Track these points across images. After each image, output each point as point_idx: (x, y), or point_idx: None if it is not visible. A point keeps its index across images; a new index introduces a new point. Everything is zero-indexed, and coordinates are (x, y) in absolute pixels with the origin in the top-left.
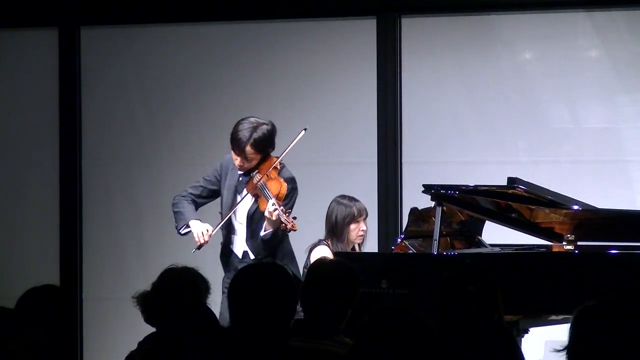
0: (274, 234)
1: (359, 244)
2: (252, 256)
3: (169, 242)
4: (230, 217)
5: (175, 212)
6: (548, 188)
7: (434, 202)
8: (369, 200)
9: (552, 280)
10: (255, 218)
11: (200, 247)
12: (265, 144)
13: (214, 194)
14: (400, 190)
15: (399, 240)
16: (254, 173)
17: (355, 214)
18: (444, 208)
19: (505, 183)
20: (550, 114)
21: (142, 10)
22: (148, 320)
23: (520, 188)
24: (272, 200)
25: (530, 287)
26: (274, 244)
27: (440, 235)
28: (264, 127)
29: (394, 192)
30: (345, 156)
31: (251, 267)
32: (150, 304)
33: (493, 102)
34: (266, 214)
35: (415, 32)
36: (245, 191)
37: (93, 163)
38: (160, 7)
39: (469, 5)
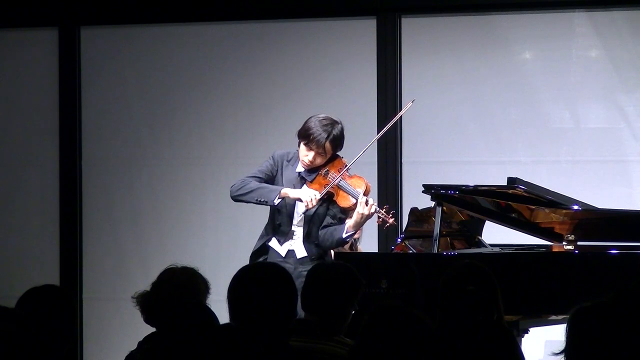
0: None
1: (356, 239)
2: (298, 256)
3: (169, 242)
4: (282, 211)
5: (252, 190)
6: (548, 188)
7: (434, 202)
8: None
9: (552, 280)
10: (315, 219)
11: (307, 210)
12: (341, 142)
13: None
14: (400, 190)
15: (399, 240)
16: (323, 171)
17: None
18: (444, 208)
19: (505, 183)
20: (550, 114)
21: (142, 10)
22: (148, 320)
23: (520, 188)
24: (367, 198)
25: (530, 287)
26: (335, 247)
27: (440, 235)
28: (340, 126)
29: (394, 192)
30: (345, 156)
31: (251, 267)
32: (150, 304)
33: (493, 102)
34: (360, 209)
35: (415, 32)
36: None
37: (93, 163)
38: (160, 7)
39: (469, 5)
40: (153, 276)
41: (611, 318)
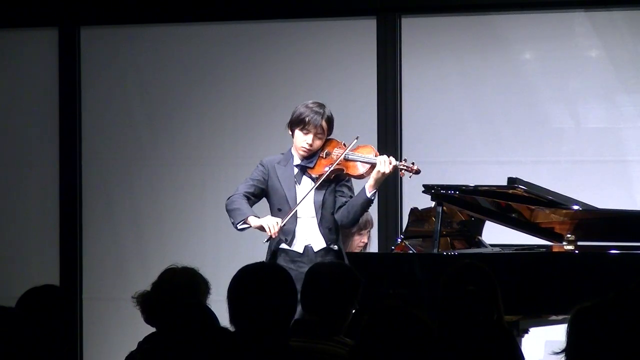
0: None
1: (363, 246)
2: (316, 248)
3: (169, 242)
4: (283, 210)
5: (231, 210)
6: (548, 188)
7: (434, 202)
8: None
9: (552, 280)
10: (326, 202)
11: (269, 239)
12: (333, 123)
13: (262, 193)
14: (400, 190)
15: (399, 240)
16: (323, 153)
17: (361, 226)
18: (444, 208)
19: (505, 183)
20: (550, 114)
21: (142, 10)
22: (148, 320)
23: (520, 188)
24: (384, 156)
25: (530, 287)
26: (363, 213)
27: (440, 235)
28: (329, 109)
29: (394, 192)
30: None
31: (251, 267)
32: (150, 304)
33: (493, 102)
34: (380, 168)
35: (415, 32)
36: (311, 177)
37: (93, 163)
38: (160, 7)
39: (469, 5)
40: (153, 276)
41: (612, 318)
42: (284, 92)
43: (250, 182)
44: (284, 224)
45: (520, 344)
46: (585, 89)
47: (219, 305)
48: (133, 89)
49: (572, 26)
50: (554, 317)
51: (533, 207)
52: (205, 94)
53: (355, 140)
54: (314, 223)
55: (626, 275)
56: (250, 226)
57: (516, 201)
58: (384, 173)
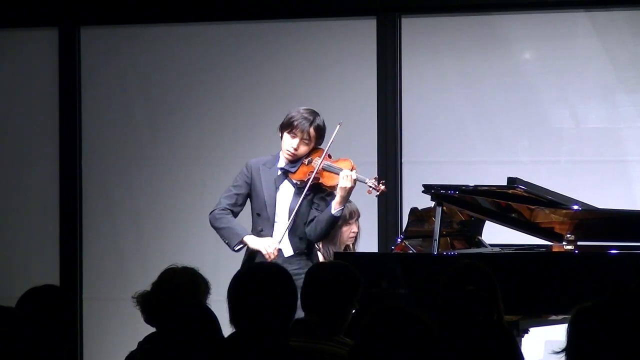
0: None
1: (351, 245)
2: (286, 254)
3: (169, 242)
4: (261, 215)
5: (221, 229)
6: (548, 188)
7: (434, 202)
8: (369, 200)
9: (552, 280)
10: (301, 211)
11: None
12: (324, 132)
13: (246, 198)
14: (400, 190)
15: (399, 240)
16: (306, 160)
17: (347, 217)
18: (444, 208)
19: (505, 183)
20: (550, 114)
21: (142, 10)
22: (148, 320)
23: (520, 188)
24: (346, 170)
25: (530, 287)
26: (329, 230)
27: (440, 235)
28: (322, 118)
29: (394, 192)
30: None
31: (251, 267)
32: (150, 304)
33: (493, 102)
34: (342, 184)
35: (416, 32)
36: (292, 182)
37: (93, 163)
38: (160, 7)
39: (469, 5)
40: (153, 276)
41: (612, 318)
42: (283, 92)
43: (232, 192)
44: (280, 241)
45: (520, 344)
46: (585, 89)
47: (219, 305)
48: (133, 89)
49: (572, 26)
50: (554, 317)
51: (533, 207)
52: (205, 94)
53: (329, 144)
54: (287, 230)
55: (626, 275)
56: (247, 245)
57: (516, 201)
58: (345, 188)
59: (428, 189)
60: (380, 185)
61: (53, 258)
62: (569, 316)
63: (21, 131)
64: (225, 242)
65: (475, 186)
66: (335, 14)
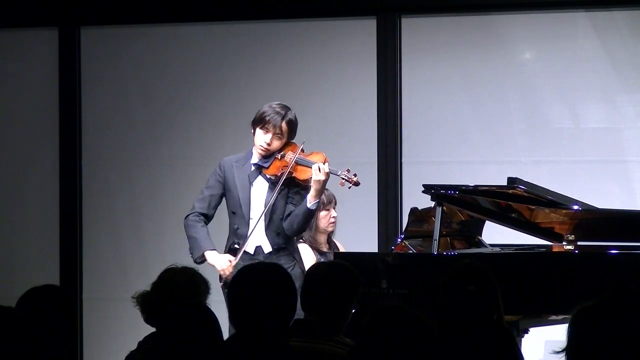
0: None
1: (332, 232)
2: (266, 250)
3: (169, 242)
4: (236, 213)
5: (189, 237)
6: (548, 188)
7: (434, 202)
8: (369, 200)
9: (552, 280)
10: (276, 206)
11: (223, 279)
12: (296, 127)
13: (220, 199)
14: (400, 190)
15: (399, 240)
16: (279, 154)
17: (325, 202)
18: (444, 208)
19: (505, 183)
20: (550, 114)
21: (142, 10)
22: (148, 320)
23: (520, 188)
24: (319, 164)
25: (530, 287)
26: (306, 224)
27: (440, 235)
28: (294, 112)
29: (394, 192)
30: (345, 156)
31: (251, 266)
32: (150, 304)
33: (493, 102)
34: (315, 177)
35: (415, 32)
36: (266, 177)
37: (93, 163)
38: (160, 7)
39: (469, 5)
40: (153, 276)
41: (612, 318)
42: (283, 92)
43: (205, 194)
44: (236, 262)
45: (520, 344)
46: (585, 89)
47: (219, 305)
48: (133, 88)
49: (572, 26)
50: (554, 317)
51: (533, 207)
52: (205, 94)
53: (304, 142)
54: (262, 225)
55: (626, 275)
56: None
57: (516, 201)
58: (319, 181)
59: (428, 189)
60: (353, 177)
61: (53, 258)
62: (569, 316)
63: (21, 131)
64: (189, 252)
65: (475, 186)
66: (335, 14)
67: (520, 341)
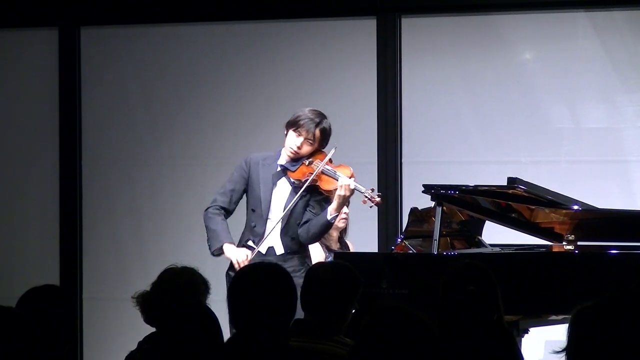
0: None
1: (344, 230)
2: (278, 252)
3: (169, 242)
4: (256, 211)
5: (208, 229)
6: (548, 188)
7: (434, 202)
8: None
9: (552, 280)
10: (295, 211)
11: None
12: (328, 136)
13: (242, 195)
14: (400, 190)
15: (399, 240)
16: (307, 160)
17: None
18: (444, 208)
19: (505, 183)
20: (550, 114)
21: (142, 10)
22: (148, 320)
23: (520, 188)
24: (344, 177)
25: (530, 287)
26: (322, 234)
27: (440, 235)
28: (329, 122)
29: (394, 192)
30: (345, 156)
31: (251, 267)
32: (150, 304)
33: (493, 102)
34: (340, 192)
35: (416, 32)
36: (290, 180)
37: (93, 163)
38: (160, 7)
39: (469, 5)
40: (153, 276)
41: (612, 318)
42: (284, 92)
43: (228, 188)
44: (253, 255)
45: (520, 344)
46: (585, 89)
47: (219, 305)
48: (133, 88)
49: (573, 26)
50: (554, 317)
51: (533, 207)
52: (205, 94)
53: (333, 150)
54: (279, 228)
55: (626, 275)
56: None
57: (516, 201)
58: (343, 196)
59: (428, 189)
60: (377, 196)
61: (53, 258)
62: (569, 316)
63: (21, 131)
64: (208, 243)
65: (475, 186)
66: (335, 14)
67: (520, 341)
